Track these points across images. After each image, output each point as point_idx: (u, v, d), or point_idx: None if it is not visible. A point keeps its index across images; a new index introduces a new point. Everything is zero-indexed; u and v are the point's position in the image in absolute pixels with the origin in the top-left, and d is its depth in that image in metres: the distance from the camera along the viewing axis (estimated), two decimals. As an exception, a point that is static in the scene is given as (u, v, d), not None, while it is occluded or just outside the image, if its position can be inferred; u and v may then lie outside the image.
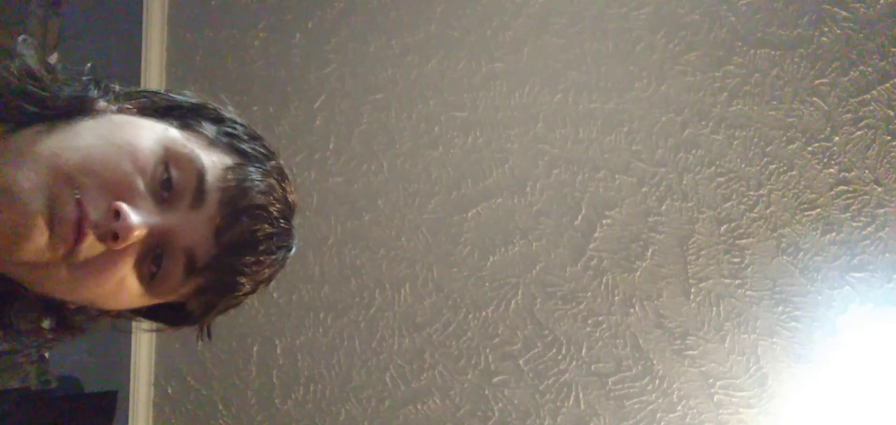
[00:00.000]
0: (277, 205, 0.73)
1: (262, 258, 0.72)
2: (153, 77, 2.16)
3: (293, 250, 0.78)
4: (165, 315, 0.77)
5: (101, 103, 0.71)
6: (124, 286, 0.67)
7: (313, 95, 2.08)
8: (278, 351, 2.06)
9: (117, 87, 0.73)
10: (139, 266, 0.67)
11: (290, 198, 0.76)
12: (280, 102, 2.10)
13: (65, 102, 0.68)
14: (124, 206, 0.63)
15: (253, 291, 0.75)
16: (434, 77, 2.01)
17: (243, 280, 0.72)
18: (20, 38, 0.72)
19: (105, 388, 1.98)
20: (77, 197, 0.62)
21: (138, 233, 0.64)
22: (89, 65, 0.72)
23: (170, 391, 2.12)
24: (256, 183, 0.71)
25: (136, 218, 0.64)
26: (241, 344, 2.07)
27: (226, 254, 0.70)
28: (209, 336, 0.79)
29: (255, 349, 2.07)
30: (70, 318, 0.74)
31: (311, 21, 2.10)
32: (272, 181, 0.73)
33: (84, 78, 0.71)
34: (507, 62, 1.98)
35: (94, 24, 2.04)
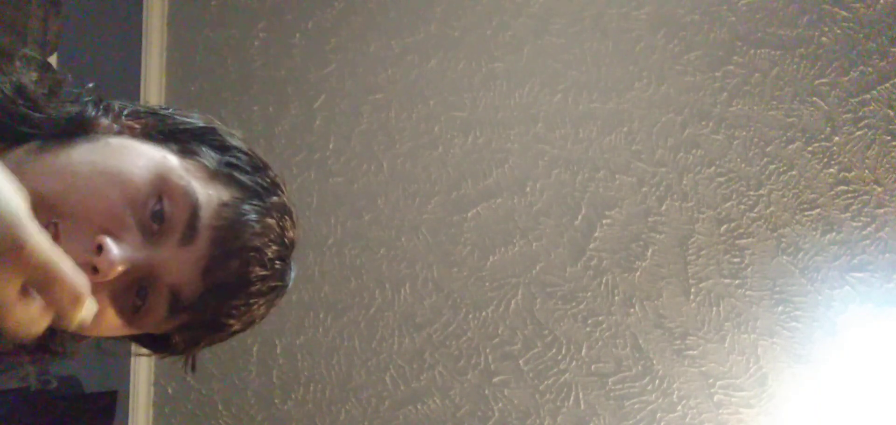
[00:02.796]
0: (273, 247, 0.70)
1: (251, 301, 0.69)
2: (153, 77, 2.16)
3: (289, 285, 0.75)
4: (151, 343, 0.75)
5: (103, 122, 0.68)
6: (104, 316, 0.64)
7: (313, 95, 2.08)
8: (278, 351, 2.06)
9: (117, 106, 0.70)
10: (122, 298, 0.64)
11: (288, 236, 0.73)
12: (280, 102, 2.10)
13: (60, 123, 0.66)
14: (108, 240, 0.60)
15: (243, 330, 0.72)
16: (434, 77, 2.01)
17: (230, 321, 0.70)
18: (22, 52, 0.70)
19: (105, 388, 1.98)
20: (54, 223, 0.59)
21: (120, 269, 0.61)
22: (92, 84, 0.70)
23: (170, 391, 2.12)
24: (252, 222, 0.68)
25: (118, 252, 0.61)
26: (241, 345, 2.07)
27: (212, 296, 0.66)
28: (194, 368, 0.76)
29: (255, 349, 2.07)
30: (51, 342, 0.71)
31: (311, 21, 2.10)
32: (270, 220, 0.70)
33: (84, 98, 0.69)
34: (507, 62, 1.98)
35: (94, 25, 2.04)
